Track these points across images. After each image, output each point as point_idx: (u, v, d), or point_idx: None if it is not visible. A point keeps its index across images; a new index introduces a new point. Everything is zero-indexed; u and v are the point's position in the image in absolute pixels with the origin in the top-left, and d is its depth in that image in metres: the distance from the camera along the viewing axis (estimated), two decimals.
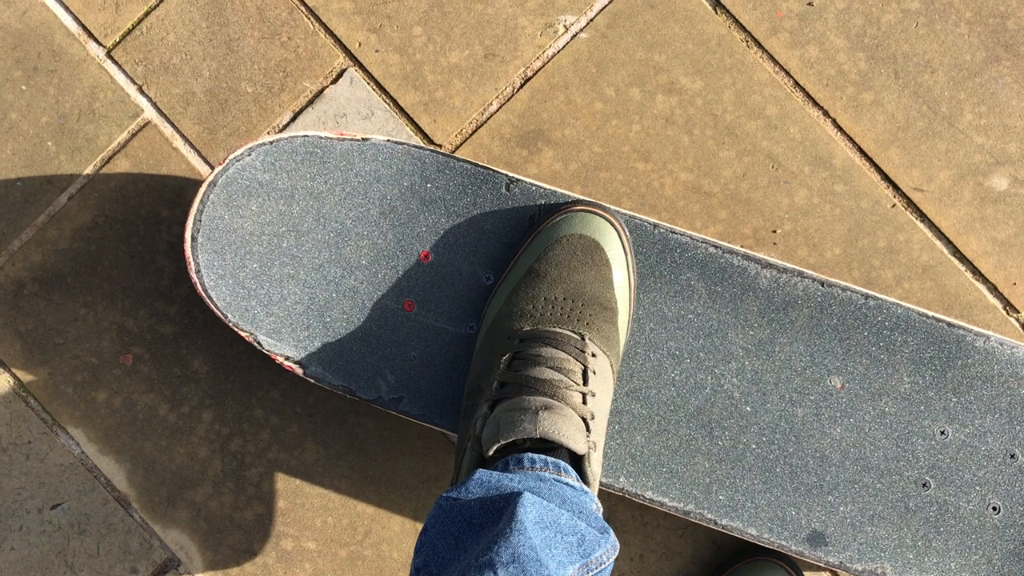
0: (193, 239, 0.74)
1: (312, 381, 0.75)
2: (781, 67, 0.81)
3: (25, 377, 0.82)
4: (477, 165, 0.75)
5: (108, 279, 0.83)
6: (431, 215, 0.74)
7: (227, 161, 0.74)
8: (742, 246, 0.79)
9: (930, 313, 0.72)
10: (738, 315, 0.73)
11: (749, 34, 0.81)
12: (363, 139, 0.75)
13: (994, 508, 0.71)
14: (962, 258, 0.79)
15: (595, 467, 0.65)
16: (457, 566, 0.56)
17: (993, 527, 0.71)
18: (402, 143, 0.75)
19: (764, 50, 0.81)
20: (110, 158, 0.83)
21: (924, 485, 0.72)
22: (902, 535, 0.72)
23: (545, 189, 0.74)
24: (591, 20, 0.81)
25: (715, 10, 0.81)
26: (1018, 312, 0.79)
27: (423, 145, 0.76)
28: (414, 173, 0.75)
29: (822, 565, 0.73)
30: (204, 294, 0.75)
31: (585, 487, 0.63)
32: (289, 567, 0.81)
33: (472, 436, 0.66)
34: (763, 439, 0.72)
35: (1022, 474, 0.71)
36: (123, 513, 0.82)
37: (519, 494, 0.56)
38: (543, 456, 0.62)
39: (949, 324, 0.72)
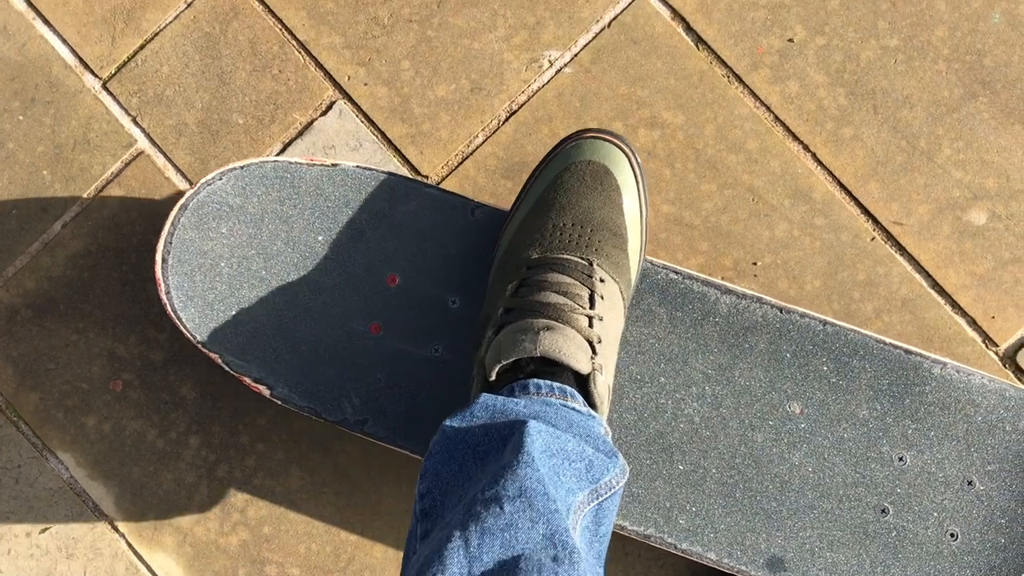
0: (164, 261, 0.86)
1: (279, 402, 0.86)
2: (762, 102, 0.93)
3: (16, 401, 0.96)
4: (444, 191, 0.87)
5: (100, 306, 0.96)
6: (399, 240, 0.86)
7: (198, 185, 0.86)
8: (723, 278, 0.91)
9: (887, 340, 0.83)
10: (698, 340, 0.84)
11: (730, 70, 0.94)
12: (332, 165, 0.87)
13: (952, 535, 0.82)
14: (941, 292, 0.91)
15: (602, 389, 0.71)
16: (461, 494, 0.63)
17: (951, 553, 0.82)
18: (371, 169, 0.87)
19: (745, 85, 0.93)
20: (104, 187, 0.96)
21: (883, 511, 0.82)
22: (861, 561, 0.82)
23: (508, 211, 0.85)
24: (575, 55, 0.94)
25: (697, 46, 0.94)
26: (997, 346, 0.90)
27: (391, 171, 0.87)
28: (382, 198, 0.86)
29: None
30: (173, 315, 0.86)
31: (592, 412, 0.70)
32: None
33: (478, 361, 0.74)
34: (723, 464, 0.83)
35: (979, 501, 0.82)
36: (110, 538, 0.95)
37: (524, 423, 0.63)
38: (548, 382, 0.69)
39: (906, 351, 0.83)
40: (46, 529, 0.94)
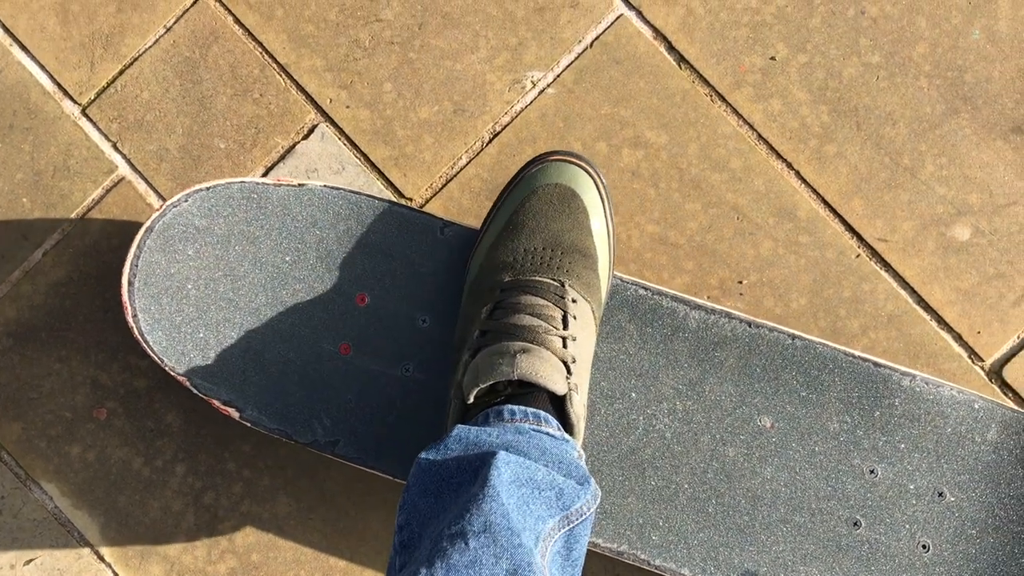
0: (130, 284, 0.91)
1: (248, 425, 0.91)
2: (745, 120, 1.00)
3: None
4: (412, 210, 0.91)
5: (82, 334, 1.03)
6: (367, 259, 0.91)
7: (164, 207, 0.91)
8: (708, 297, 0.97)
9: (856, 353, 0.89)
10: (669, 356, 0.90)
11: (713, 88, 1.00)
12: (299, 185, 0.91)
13: (924, 546, 0.88)
14: (927, 307, 0.97)
15: (578, 409, 0.78)
16: (435, 526, 0.68)
17: (923, 565, 0.87)
18: (338, 188, 0.91)
19: (728, 104, 1.00)
20: (85, 214, 1.01)
21: (855, 524, 0.88)
22: (834, 574, 0.87)
23: (477, 231, 0.90)
24: (558, 76, 1.01)
25: (679, 65, 1.01)
26: (983, 360, 0.96)
27: (358, 191, 0.92)
28: (350, 218, 0.91)
29: None
30: (140, 338, 0.90)
31: (566, 436, 0.76)
32: None
33: (455, 384, 0.80)
34: (695, 479, 0.88)
35: (950, 512, 0.88)
36: (97, 568, 0.99)
37: (494, 454, 0.68)
38: (523, 408, 0.75)
39: (875, 364, 0.88)
40: (31, 560, 1.03)
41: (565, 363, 0.79)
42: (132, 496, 1.01)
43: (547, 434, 0.75)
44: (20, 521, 1.01)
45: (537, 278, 0.83)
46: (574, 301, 0.82)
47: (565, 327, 0.80)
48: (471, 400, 0.77)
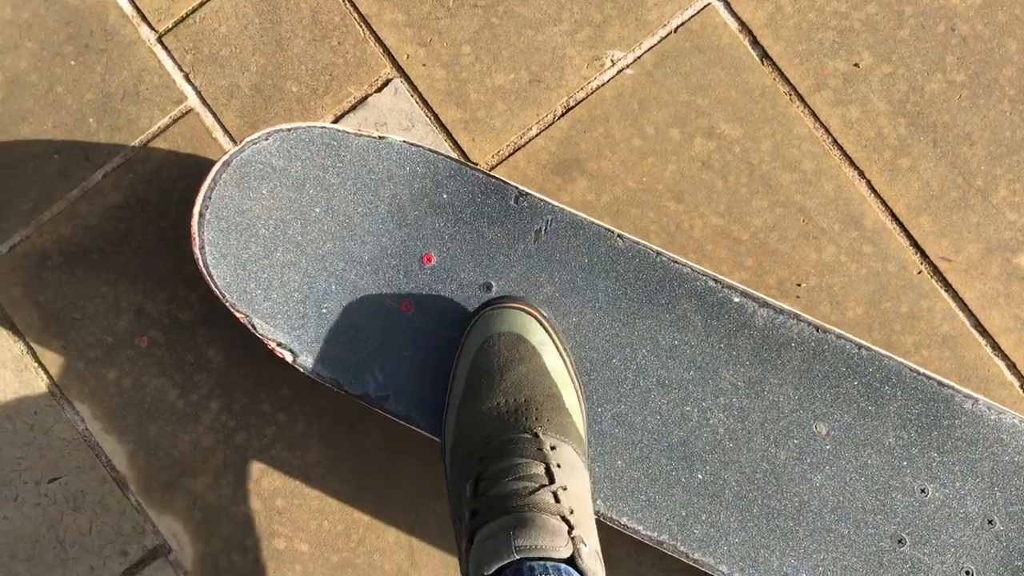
0: (201, 215, 0.92)
1: (300, 370, 0.92)
2: (822, 124, 1.01)
3: (38, 348, 1.02)
4: (489, 175, 0.92)
5: (133, 259, 1.03)
6: (438, 219, 0.92)
7: (243, 143, 0.93)
8: (766, 296, 1.01)
9: (921, 370, 0.89)
10: (731, 351, 0.90)
11: (793, 88, 1.01)
12: (380, 137, 0.93)
13: (967, 572, 0.88)
14: (983, 332, 0.98)
15: (589, 562, 0.75)
16: None
17: None
18: (417, 145, 0.93)
19: (806, 105, 1.01)
20: (149, 141, 1.03)
21: (900, 541, 0.88)
22: None
23: (553, 206, 0.91)
24: (638, 58, 1.02)
25: (762, 61, 1.02)
26: None
27: (437, 150, 0.93)
28: (426, 176, 0.92)
29: None
30: (205, 271, 0.91)
31: None
32: (279, 566, 1.03)
33: (463, 573, 0.79)
34: (743, 477, 0.89)
35: (998, 540, 0.88)
36: (120, 494, 1.02)
37: None
38: (542, 563, 0.73)
39: (940, 383, 0.89)
40: (55, 479, 1.03)
41: (563, 518, 0.77)
42: (163, 427, 1.01)
43: None
44: (50, 439, 1.02)
45: (509, 435, 0.82)
46: (553, 448, 0.81)
47: (552, 480, 0.79)
48: None
